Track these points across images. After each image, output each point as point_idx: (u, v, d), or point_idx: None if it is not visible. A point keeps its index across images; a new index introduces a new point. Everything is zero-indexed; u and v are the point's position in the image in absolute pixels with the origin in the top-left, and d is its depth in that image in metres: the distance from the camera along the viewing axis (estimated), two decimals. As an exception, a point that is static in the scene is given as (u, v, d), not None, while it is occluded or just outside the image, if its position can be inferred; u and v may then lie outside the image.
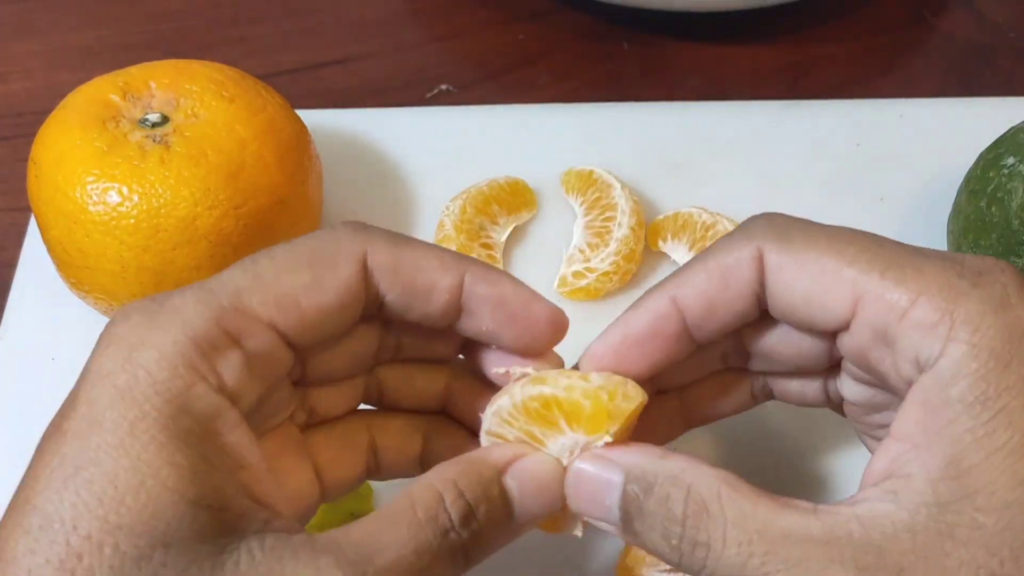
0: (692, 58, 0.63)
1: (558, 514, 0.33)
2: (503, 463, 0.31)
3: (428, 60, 0.64)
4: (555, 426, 0.31)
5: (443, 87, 0.62)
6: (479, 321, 0.32)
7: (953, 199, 0.48)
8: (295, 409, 0.33)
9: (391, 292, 0.31)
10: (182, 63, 0.47)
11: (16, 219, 0.55)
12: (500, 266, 0.50)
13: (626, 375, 0.33)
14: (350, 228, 0.31)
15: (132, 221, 0.42)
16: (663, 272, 0.51)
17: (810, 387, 0.35)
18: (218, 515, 0.26)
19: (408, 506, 0.28)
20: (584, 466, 0.31)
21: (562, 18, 0.66)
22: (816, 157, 0.55)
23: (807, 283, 0.30)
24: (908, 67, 0.64)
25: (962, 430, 0.26)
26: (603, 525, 0.31)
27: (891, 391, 0.31)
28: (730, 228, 0.48)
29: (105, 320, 0.46)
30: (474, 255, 0.49)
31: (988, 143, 0.47)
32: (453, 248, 0.48)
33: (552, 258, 0.51)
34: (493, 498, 0.30)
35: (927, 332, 0.28)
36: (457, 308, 0.32)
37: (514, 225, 0.52)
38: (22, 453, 0.46)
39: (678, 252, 0.50)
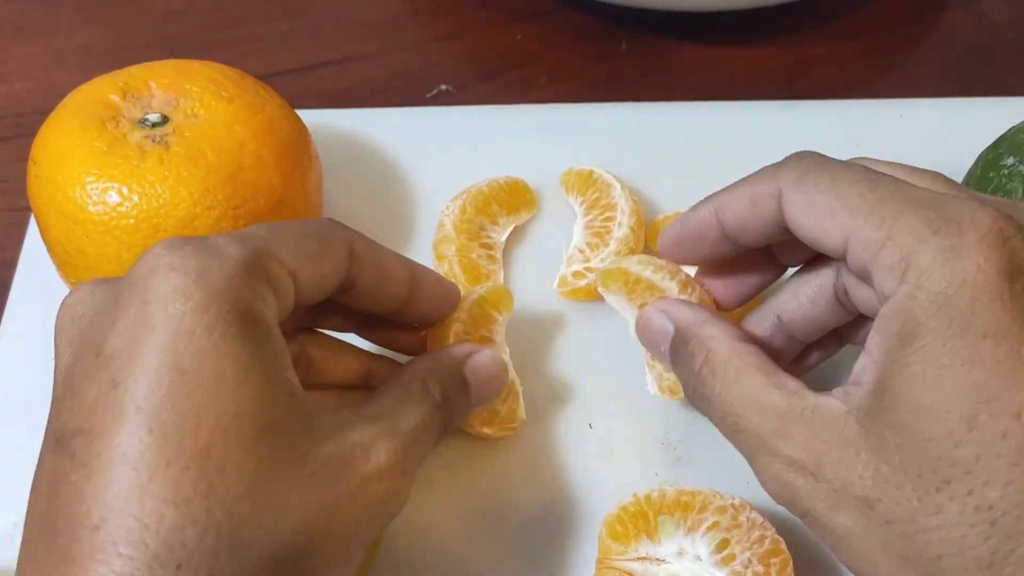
0: (692, 58, 0.63)
1: (496, 414, 0.43)
2: (463, 357, 0.40)
3: (428, 60, 0.64)
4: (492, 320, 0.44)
5: (443, 87, 0.62)
6: (420, 305, 0.40)
7: (953, 199, 0.48)
8: None
9: (363, 277, 0.37)
10: (182, 63, 0.47)
11: (16, 219, 0.55)
12: (500, 266, 0.50)
13: (685, 263, 0.43)
14: (333, 222, 0.37)
15: (132, 221, 0.42)
16: (663, 272, 0.51)
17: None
18: (295, 400, 0.31)
19: (406, 390, 0.37)
20: (651, 314, 0.41)
21: (562, 18, 0.66)
22: (816, 157, 0.55)
23: (812, 222, 0.34)
24: (908, 67, 0.64)
25: (891, 359, 0.31)
26: (662, 357, 0.41)
27: None
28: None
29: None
30: (474, 255, 0.49)
31: (988, 143, 0.47)
32: (453, 249, 0.49)
33: (552, 258, 0.51)
34: (459, 383, 0.39)
35: (888, 272, 0.32)
36: (407, 297, 0.39)
37: (514, 225, 0.52)
38: (22, 452, 0.46)
39: (678, 252, 0.50)
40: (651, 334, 0.41)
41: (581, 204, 0.52)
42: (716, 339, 0.37)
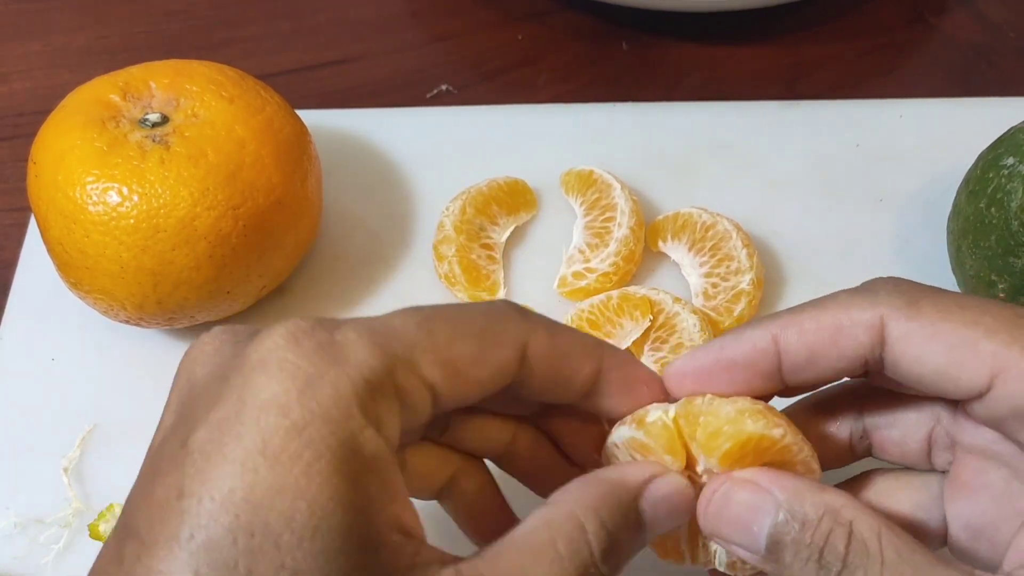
0: (692, 58, 0.63)
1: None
2: (640, 484, 0.30)
3: (428, 60, 0.64)
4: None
5: (443, 87, 0.62)
6: (604, 400, 0.33)
7: (953, 199, 0.48)
8: None
9: (536, 378, 0.31)
10: (182, 63, 0.47)
11: (16, 219, 0.55)
12: (500, 266, 0.50)
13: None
14: (517, 312, 0.31)
15: (131, 221, 0.42)
16: (663, 272, 0.51)
17: (913, 437, 0.34)
18: (375, 557, 0.26)
19: (548, 538, 0.28)
20: (734, 490, 0.30)
21: (562, 18, 0.66)
22: (816, 157, 0.55)
23: (939, 355, 0.29)
24: (908, 67, 0.64)
25: None
26: (738, 551, 0.30)
27: None
28: (730, 228, 0.48)
29: (104, 320, 0.46)
30: (474, 255, 0.49)
31: (988, 143, 0.47)
32: (453, 249, 0.49)
33: (552, 258, 0.51)
34: (631, 524, 0.30)
35: None
36: (587, 392, 0.33)
37: (514, 225, 0.52)
38: (23, 452, 0.46)
39: (678, 252, 0.50)
40: (735, 514, 0.30)
41: (581, 204, 0.52)
42: (851, 508, 0.29)
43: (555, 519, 0.28)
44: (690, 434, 0.31)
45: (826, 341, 0.31)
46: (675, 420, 0.31)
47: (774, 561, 0.29)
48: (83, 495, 0.44)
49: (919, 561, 0.27)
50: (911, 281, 0.31)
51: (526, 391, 0.32)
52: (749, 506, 0.29)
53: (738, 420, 0.30)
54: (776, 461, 0.31)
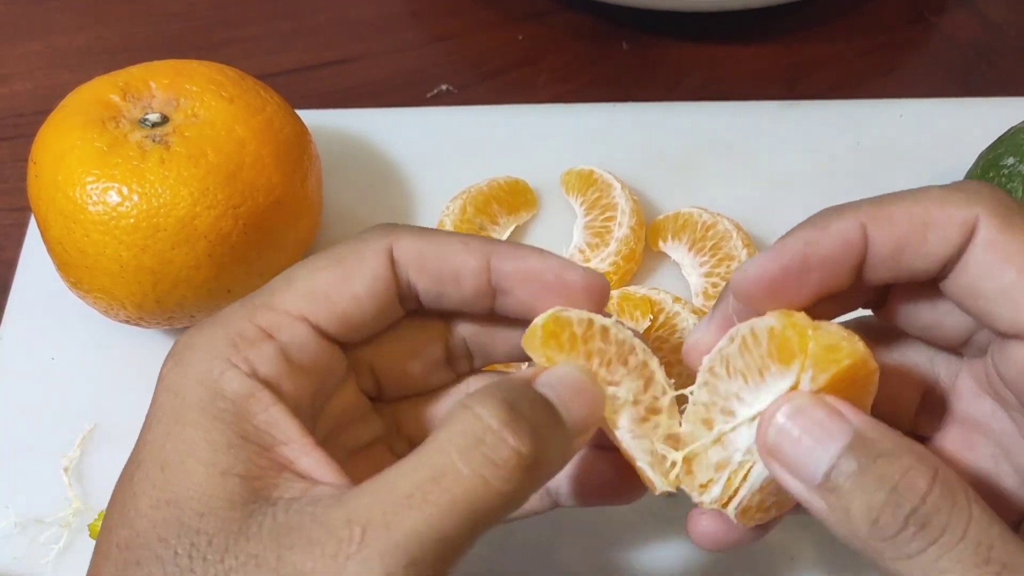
0: (692, 58, 0.63)
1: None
2: (530, 376, 0.29)
3: (428, 60, 0.64)
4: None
5: (443, 87, 0.62)
6: (514, 298, 0.32)
7: (953, 199, 0.48)
8: (391, 436, 0.34)
9: (421, 281, 0.32)
10: (182, 63, 0.47)
11: (16, 219, 0.55)
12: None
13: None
14: (376, 227, 0.33)
15: (131, 221, 0.42)
16: (663, 272, 0.51)
17: (905, 397, 0.32)
18: (249, 483, 0.28)
19: (433, 437, 0.27)
20: (807, 407, 0.27)
21: (562, 18, 0.66)
22: (816, 157, 0.55)
23: (1011, 275, 0.27)
24: (908, 67, 0.64)
25: None
26: (787, 478, 0.27)
27: None
28: (730, 228, 0.48)
29: (104, 320, 0.46)
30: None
31: (988, 143, 0.47)
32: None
33: (552, 258, 0.51)
34: (532, 399, 0.28)
35: None
36: (489, 290, 0.32)
37: (514, 225, 0.52)
38: (23, 452, 0.46)
39: (678, 252, 0.50)
40: (803, 431, 0.27)
41: (581, 204, 0.52)
42: (934, 457, 0.26)
43: (445, 420, 0.27)
44: (780, 343, 0.28)
45: (916, 234, 0.28)
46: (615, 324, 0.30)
47: (829, 491, 0.26)
48: (83, 495, 0.44)
49: (1003, 527, 0.25)
50: (1007, 194, 0.29)
51: (427, 300, 0.32)
52: (821, 425, 0.27)
53: (852, 338, 0.27)
54: (854, 398, 0.28)
